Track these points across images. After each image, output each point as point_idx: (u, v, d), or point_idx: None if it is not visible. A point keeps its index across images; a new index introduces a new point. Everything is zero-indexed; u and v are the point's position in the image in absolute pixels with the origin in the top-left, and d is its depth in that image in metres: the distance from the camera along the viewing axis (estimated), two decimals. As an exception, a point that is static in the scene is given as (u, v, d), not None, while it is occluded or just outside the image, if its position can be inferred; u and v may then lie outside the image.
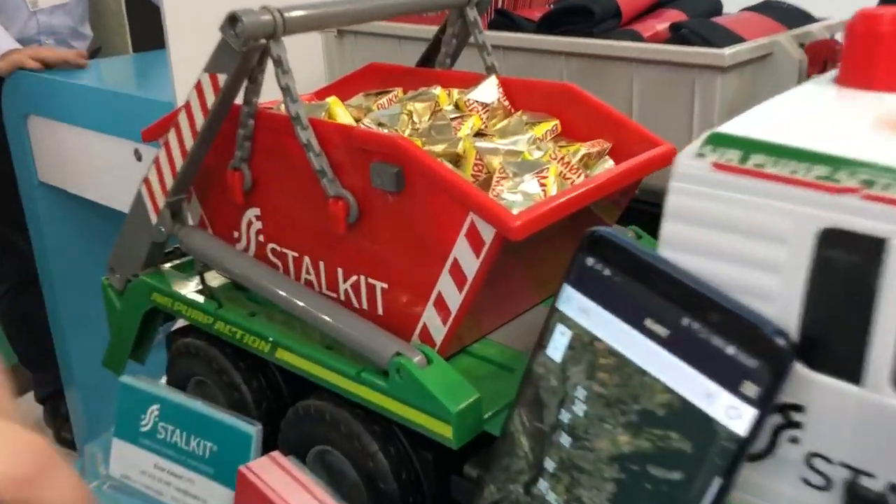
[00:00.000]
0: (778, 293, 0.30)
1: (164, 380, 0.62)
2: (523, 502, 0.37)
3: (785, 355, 0.29)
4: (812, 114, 0.34)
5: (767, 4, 0.78)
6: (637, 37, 0.70)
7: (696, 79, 0.64)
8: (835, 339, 0.30)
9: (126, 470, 0.57)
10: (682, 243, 0.33)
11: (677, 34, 0.68)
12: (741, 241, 0.31)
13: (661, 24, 0.72)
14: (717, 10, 0.79)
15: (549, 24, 0.74)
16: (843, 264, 0.29)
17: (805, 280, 0.30)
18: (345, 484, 0.49)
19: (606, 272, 0.34)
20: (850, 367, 0.29)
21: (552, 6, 0.78)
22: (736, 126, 0.33)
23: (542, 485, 0.36)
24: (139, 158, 1.86)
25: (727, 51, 0.62)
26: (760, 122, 0.33)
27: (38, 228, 1.93)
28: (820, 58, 0.67)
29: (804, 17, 0.76)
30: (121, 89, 1.76)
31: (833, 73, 0.38)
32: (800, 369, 0.30)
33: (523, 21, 0.77)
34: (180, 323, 0.62)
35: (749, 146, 0.31)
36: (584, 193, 0.45)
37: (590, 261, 0.35)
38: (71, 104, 1.71)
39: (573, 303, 0.36)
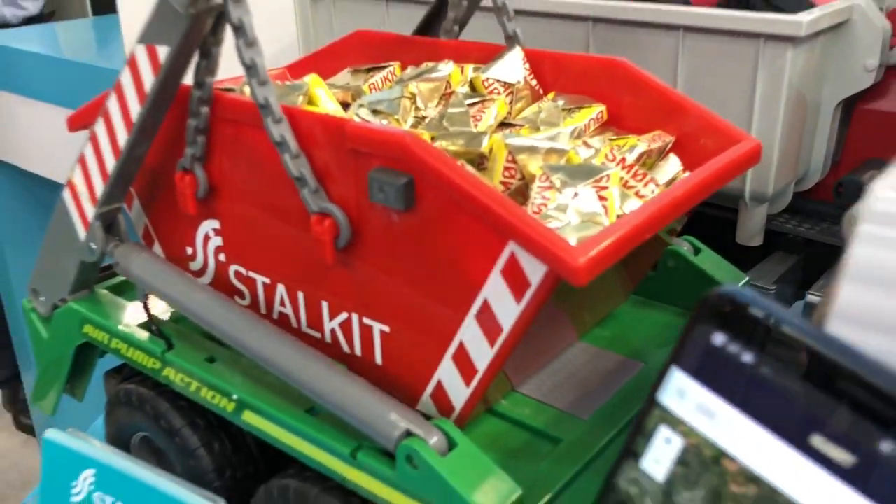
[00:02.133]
0: None
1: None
2: None
3: None
4: None
5: None
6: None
7: (761, 51, 0.52)
8: None
9: None
10: (874, 317, 0.21)
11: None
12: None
13: None
14: None
15: None
16: None
17: None
18: (336, 591, 0.37)
19: (746, 358, 0.22)
20: None
21: None
22: None
23: None
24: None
25: (804, 17, 0.50)
26: None
27: (-10, 207, 1.82)
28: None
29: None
30: (78, 58, 1.61)
31: None
32: None
33: None
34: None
35: None
36: (665, 213, 0.33)
37: (718, 339, 0.23)
38: (24, 74, 1.58)
39: (687, 398, 0.24)
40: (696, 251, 0.48)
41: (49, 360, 0.51)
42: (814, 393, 0.21)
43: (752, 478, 0.22)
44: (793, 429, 0.22)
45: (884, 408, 0.20)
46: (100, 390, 0.53)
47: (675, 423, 0.24)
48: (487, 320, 0.33)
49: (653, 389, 0.25)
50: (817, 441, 0.21)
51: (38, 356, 0.52)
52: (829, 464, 0.21)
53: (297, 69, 0.52)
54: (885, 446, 0.20)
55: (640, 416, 0.25)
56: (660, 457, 0.24)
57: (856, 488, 0.21)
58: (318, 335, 0.40)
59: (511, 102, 0.44)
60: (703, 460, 0.23)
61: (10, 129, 1.69)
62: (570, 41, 0.60)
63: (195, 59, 0.37)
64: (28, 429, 2.16)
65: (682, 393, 0.24)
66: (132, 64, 0.37)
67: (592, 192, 0.34)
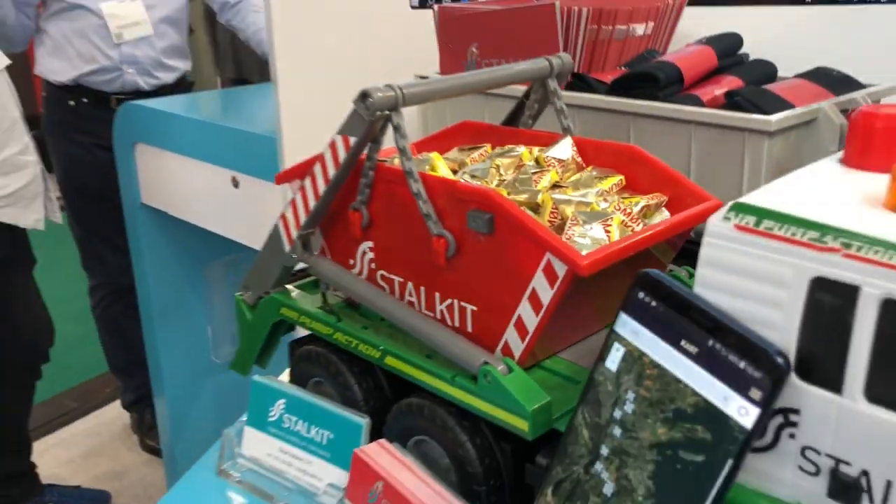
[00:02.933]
0: (780, 324, 0.40)
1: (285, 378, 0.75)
2: (583, 480, 0.47)
3: (782, 370, 0.39)
4: (815, 188, 0.44)
5: (818, 71, 0.87)
6: (697, 101, 0.80)
7: (746, 141, 0.74)
8: (822, 359, 0.40)
9: (256, 452, 0.70)
10: (711, 285, 0.43)
11: (732, 101, 0.78)
12: (754, 284, 0.41)
13: (719, 90, 0.83)
14: (772, 75, 0.89)
15: (619, 88, 0.85)
16: (828, 304, 0.39)
17: (801, 315, 0.40)
18: (438, 468, 0.60)
19: (653, 304, 0.45)
20: (833, 380, 0.39)
21: (623, 69, 0.89)
22: (754, 197, 0.43)
23: (598, 466, 0.47)
24: (236, 185, 2.05)
25: (774, 117, 0.72)
26: (774, 194, 0.44)
27: (137, 245, 2.13)
28: (859, 123, 0.76)
29: (850, 84, 0.85)
30: (220, 121, 1.95)
31: (840, 153, 0.48)
32: (796, 381, 0.40)
33: (597, 83, 0.88)
34: (300, 333, 0.74)
35: (762, 213, 0.42)
36: (641, 240, 0.55)
37: (640, 294, 0.46)
38: (175, 134, 1.90)
39: (627, 327, 0.46)
40: (691, 276, 0.69)
41: (250, 336, 0.77)
42: (682, 319, 0.44)
43: (655, 364, 0.45)
44: (673, 338, 0.44)
45: (710, 324, 0.42)
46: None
47: (621, 339, 0.47)
48: (534, 300, 0.56)
49: (612, 324, 0.47)
50: (683, 343, 0.43)
51: (242, 334, 0.78)
52: (688, 354, 0.43)
53: (421, 145, 0.78)
54: (710, 342, 0.42)
55: (605, 339, 0.48)
56: (614, 359, 0.47)
57: (699, 366, 0.43)
58: (432, 315, 0.64)
59: (561, 172, 0.67)
60: (633, 358, 0.46)
61: (160, 180, 2.01)
62: (615, 129, 0.83)
63: (368, 144, 0.63)
64: (153, 450, 2.41)
65: (625, 324, 0.46)
66: (332, 146, 0.63)
67: (601, 227, 0.57)
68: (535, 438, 0.54)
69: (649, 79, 0.83)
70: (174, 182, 1.95)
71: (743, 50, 0.94)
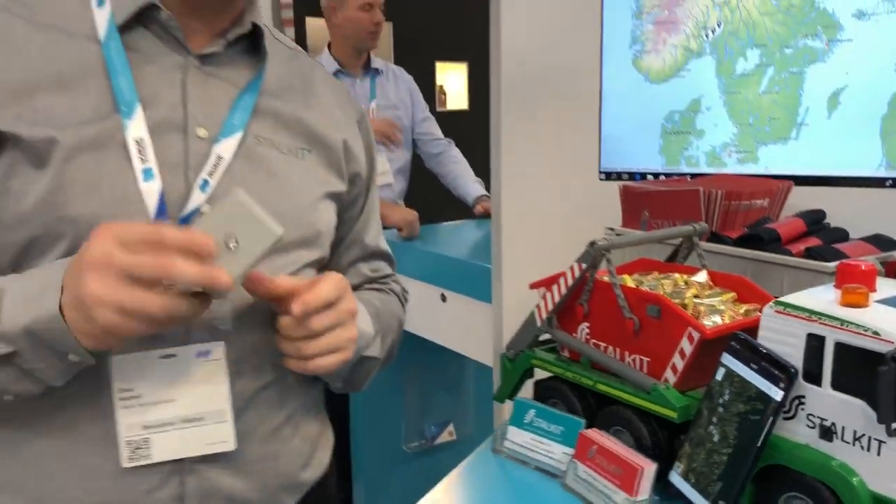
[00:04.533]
0: (794, 354, 0.90)
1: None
2: (703, 435, 0.97)
3: (794, 375, 0.89)
4: (813, 295, 0.94)
5: (876, 237, 1.35)
6: (788, 253, 1.30)
7: (814, 279, 1.23)
8: (812, 370, 0.89)
9: (517, 440, 1.22)
10: (765, 337, 0.94)
11: (809, 253, 1.27)
12: (782, 336, 0.92)
13: (803, 246, 1.32)
14: (844, 237, 1.37)
15: (741, 242, 1.36)
16: (814, 345, 0.89)
17: (804, 350, 0.90)
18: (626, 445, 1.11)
19: (738, 347, 0.96)
20: (817, 379, 0.88)
21: (745, 229, 1.40)
22: (784, 298, 0.94)
23: (711, 428, 0.96)
24: (444, 300, 2.70)
25: (831, 264, 1.21)
26: (794, 297, 0.94)
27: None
28: (892, 271, 1.24)
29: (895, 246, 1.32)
30: (436, 250, 2.61)
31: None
32: (802, 381, 0.90)
33: (727, 238, 1.39)
34: (539, 375, 1.28)
35: (786, 304, 0.92)
36: (738, 324, 1.06)
37: (733, 343, 0.97)
38: (398, 258, 2.55)
39: (726, 359, 0.97)
40: (777, 355, 1.18)
41: (509, 379, 1.31)
42: (752, 354, 0.94)
43: (738, 375, 0.95)
44: (747, 362, 0.94)
45: (765, 356, 0.92)
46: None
47: (723, 365, 0.97)
48: (681, 353, 1.07)
49: (720, 359, 0.98)
50: (751, 364, 0.94)
51: (503, 378, 1.32)
52: (753, 369, 0.93)
53: (619, 270, 1.32)
54: (763, 363, 0.92)
55: (715, 366, 0.98)
56: (720, 374, 0.97)
57: (757, 373, 0.92)
58: (624, 363, 1.16)
59: (699, 289, 1.19)
60: (729, 372, 0.96)
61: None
62: (736, 268, 1.34)
63: (591, 268, 1.18)
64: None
65: (725, 357, 0.97)
66: (571, 268, 1.18)
67: (719, 317, 1.08)
68: (680, 423, 1.04)
69: (759, 238, 1.33)
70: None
71: (830, 219, 1.43)
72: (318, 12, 3.19)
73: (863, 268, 0.92)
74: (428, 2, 5.80)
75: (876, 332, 0.82)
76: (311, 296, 0.97)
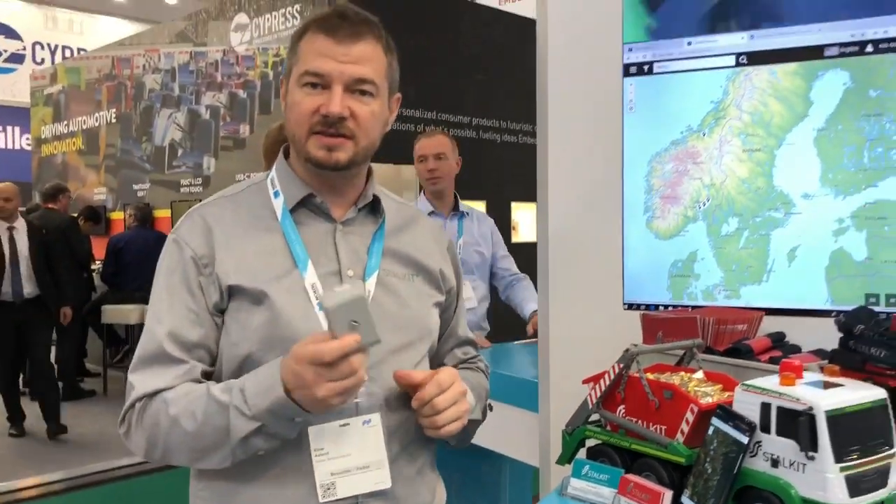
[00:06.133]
0: (752, 414, 1.50)
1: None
2: (701, 470, 1.55)
3: (754, 427, 1.48)
4: (768, 381, 1.55)
5: (819, 350, 1.95)
6: (758, 360, 1.91)
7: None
8: (765, 423, 1.48)
9: (576, 488, 1.79)
10: (737, 407, 1.54)
11: (772, 361, 1.88)
12: (746, 404, 1.51)
13: (770, 356, 1.92)
14: (798, 350, 1.98)
15: (727, 353, 1.97)
16: (766, 409, 1.48)
17: (759, 412, 1.49)
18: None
19: (722, 413, 1.55)
20: (767, 428, 1.48)
21: (731, 345, 2.01)
22: (749, 382, 1.54)
23: (705, 465, 1.54)
24: (490, 409, 3.26)
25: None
26: (756, 381, 1.54)
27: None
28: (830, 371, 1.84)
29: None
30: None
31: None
32: (759, 432, 1.49)
33: (716, 351, 2.00)
34: (591, 442, 1.86)
35: (750, 386, 1.53)
36: (723, 401, 1.66)
37: (718, 411, 1.56)
38: None
39: (715, 421, 1.57)
40: (752, 427, 1.76)
41: (568, 448, 1.89)
42: (730, 416, 1.54)
43: (721, 430, 1.54)
44: (727, 421, 1.54)
45: (737, 415, 1.52)
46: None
47: (712, 425, 1.57)
48: (686, 421, 1.66)
49: (711, 424, 1.57)
50: (729, 422, 1.53)
51: (564, 448, 1.90)
52: (729, 425, 1.52)
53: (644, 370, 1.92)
54: (735, 420, 1.51)
55: (707, 427, 1.57)
56: (710, 430, 1.57)
57: (733, 429, 1.51)
58: (648, 430, 1.74)
59: (697, 382, 1.80)
60: (716, 430, 1.55)
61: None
62: (723, 368, 1.94)
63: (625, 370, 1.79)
64: None
65: (714, 420, 1.57)
66: (613, 368, 1.79)
67: (710, 398, 1.68)
68: (686, 465, 1.62)
69: (739, 351, 1.94)
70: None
71: (789, 338, 2.05)
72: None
73: (795, 363, 1.53)
74: (509, 151, 7.49)
75: (798, 399, 1.43)
76: (433, 386, 1.59)
